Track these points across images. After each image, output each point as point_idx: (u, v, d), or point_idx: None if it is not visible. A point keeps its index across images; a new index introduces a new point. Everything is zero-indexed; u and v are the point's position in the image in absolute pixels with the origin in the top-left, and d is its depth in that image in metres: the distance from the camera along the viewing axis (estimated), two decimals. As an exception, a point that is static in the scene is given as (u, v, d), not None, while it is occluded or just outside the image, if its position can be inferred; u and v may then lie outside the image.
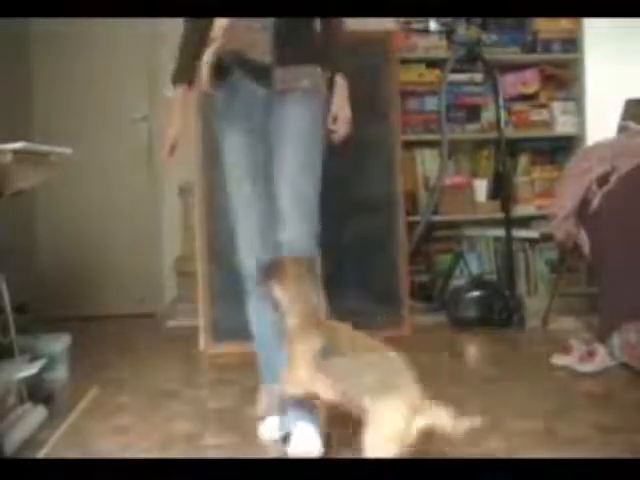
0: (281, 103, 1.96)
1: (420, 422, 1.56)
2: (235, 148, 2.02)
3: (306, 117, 1.97)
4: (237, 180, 2.02)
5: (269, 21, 1.92)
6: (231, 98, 2.00)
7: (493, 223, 3.88)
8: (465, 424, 1.56)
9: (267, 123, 1.99)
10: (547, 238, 3.79)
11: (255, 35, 1.93)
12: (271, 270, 1.84)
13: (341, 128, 2.03)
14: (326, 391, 1.71)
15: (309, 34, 2.01)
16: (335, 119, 2.02)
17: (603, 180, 2.90)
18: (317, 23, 2.04)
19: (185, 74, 2.08)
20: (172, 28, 3.93)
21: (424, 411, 1.57)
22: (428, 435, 1.59)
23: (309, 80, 1.97)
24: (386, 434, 1.57)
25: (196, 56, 2.04)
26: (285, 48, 1.93)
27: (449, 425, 1.55)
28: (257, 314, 2.09)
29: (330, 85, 2.04)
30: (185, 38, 2.09)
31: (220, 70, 1.99)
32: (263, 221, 2.00)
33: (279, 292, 1.82)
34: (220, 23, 1.98)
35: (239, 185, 2.02)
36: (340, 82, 2.04)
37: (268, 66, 1.93)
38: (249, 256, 2.01)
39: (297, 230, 1.93)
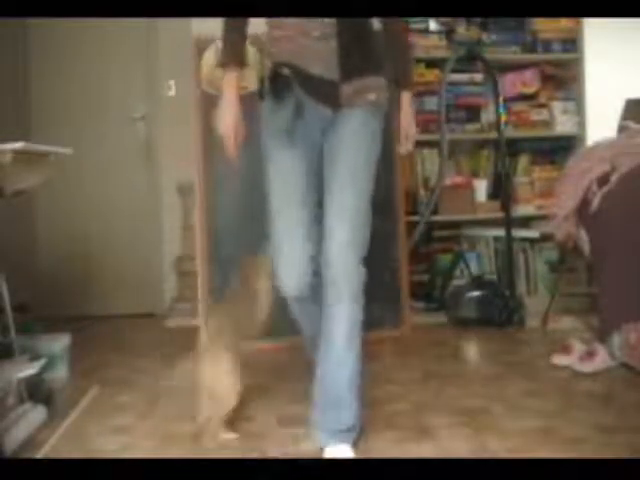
0: (343, 118, 1.87)
1: None
2: (289, 171, 1.90)
3: (367, 134, 1.90)
4: (286, 203, 1.91)
5: (328, 28, 1.80)
6: (290, 119, 1.87)
7: (493, 223, 3.88)
8: None
9: (325, 140, 1.91)
10: (547, 238, 3.79)
11: (316, 45, 1.81)
12: None
13: (410, 145, 2.09)
14: None
15: (371, 41, 1.91)
16: (406, 137, 2.09)
17: (603, 180, 2.89)
18: (376, 26, 1.95)
19: (237, 57, 1.88)
20: (170, 28, 3.98)
21: None
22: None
23: (374, 93, 1.89)
24: None
25: (244, 37, 1.90)
26: (350, 60, 1.82)
27: None
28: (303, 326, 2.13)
29: (393, 98, 2.00)
30: (230, 20, 1.90)
31: (276, 83, 1.87)
32: (307, 244, 1.92)
33: None
34: (269, 28, 1.89)
35: (287, 208, 1.91)
36: (406, 97, 2.05)
37: (334, 82, 1.82)
38: (290, 279, 1.94)
39: (341, 251, 1.84)
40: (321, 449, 1.91)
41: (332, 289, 1.87)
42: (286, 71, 1.85)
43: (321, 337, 1.94)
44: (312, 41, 1.82)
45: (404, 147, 2.11)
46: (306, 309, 2.04)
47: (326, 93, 1.84)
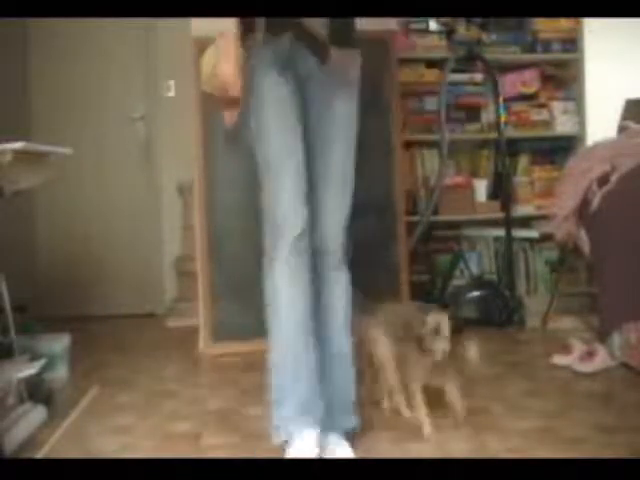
0: (330, 92, 1.94)
1: None
2: (282, 100, 1.91)
3: (352, 113, 1.98)
4: (280, 131, 1.91)
5: None
6: (286, 53, 1.91)
7: (493, 223, 3.88)
8: None
9: (309, 94, 1.96)
10: (547, 238, 3.79)
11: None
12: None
13: None
14: None
15: (353, 21, 1.98)
16: None
17: (603, 180, 2.89)
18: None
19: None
20: (170, 28, 3.97)
21: None
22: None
23: (355, 68, 1.98)
24: None
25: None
26: (338, 26, 1.90)
27: None
28: (283, 292, 1.89)
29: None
30: None
31: (273, 26, 1.91)
32: (301, 175, 1.91)
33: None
34: None
35: (282, 137, 1.91)
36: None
37: (323, 41, 1.90)
38: (290, 210, 1.88)
39: (334, 220, 1.97)
40: (320, 448, 1.91)
41: (325, 258, 1.96)
42: (281, 17, 1.88)
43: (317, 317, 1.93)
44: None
45: None
46: (302, 267, 1.92)
47: (315, 46, 1.90)
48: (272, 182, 1.91)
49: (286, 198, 1.88)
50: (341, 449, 1.88)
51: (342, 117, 1.96)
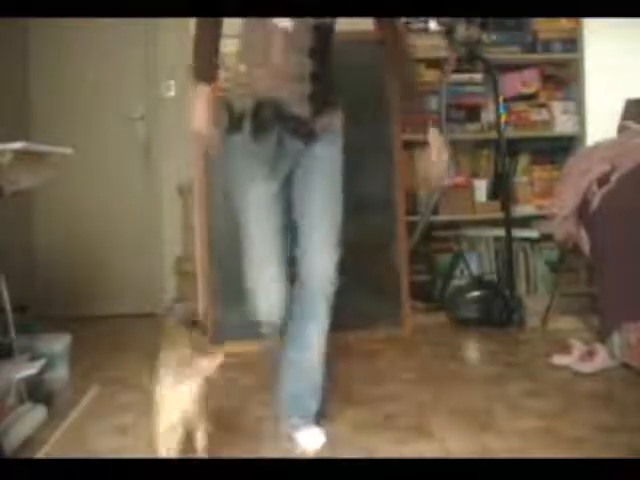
0: (314, 148, 2.02)
1: None
2: (267, 201, 2.00)
3: (337, 156, 2.06)
4: (264, 231, 2.01)
5: (302, 70, 1.94)
6: (273, 151, 1.98)
7: (493, 223, 3.88)
8: None
9: (297, 167, 2.04)
10: (547, 238, 3.79)
11: (293, 87, 1.94)
12: None
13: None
14: None
15: (332, 74, 2.04)
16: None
17: (603, 180, 2.90)
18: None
19: (207, 72, 1.98)
20: (170, 28, 3.98)
21: None
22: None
23: (338, 121, 2.07)
24: None
25: (215, 53, 2.00)
26: (320, 100, 1.98)
27: None
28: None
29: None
30: (201, 34, 1.97)
31: (258, 118, 1.97)
32: (283, 269, 2.03)
33: None
34: (249, 66, 1.98)
35: (266, 236, 2.00)
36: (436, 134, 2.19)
37: (307, 121, 1.97)
38: (270, 307, 2.05)
39: (323, 264, 2.01)
40: (289, 435, 2.01)
41: (310, 304, 2.03)
42: (267, 108, 1.95)
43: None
44: (289, 82, 1.94)
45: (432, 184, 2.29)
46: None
47: (301, 129, 1.98)
48: (253, 275, 2.05)
49: (267, 295, 2.04)
50: (313, 432, 2.00)
51: (327, 170, 2.04)
